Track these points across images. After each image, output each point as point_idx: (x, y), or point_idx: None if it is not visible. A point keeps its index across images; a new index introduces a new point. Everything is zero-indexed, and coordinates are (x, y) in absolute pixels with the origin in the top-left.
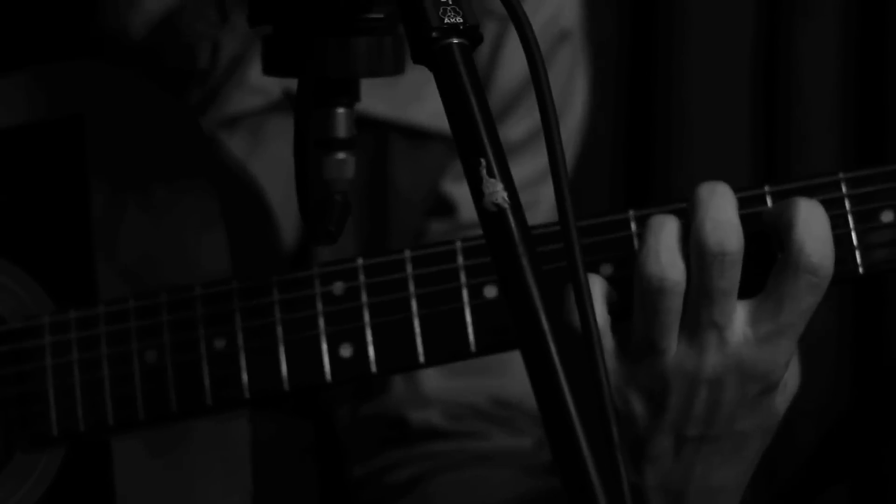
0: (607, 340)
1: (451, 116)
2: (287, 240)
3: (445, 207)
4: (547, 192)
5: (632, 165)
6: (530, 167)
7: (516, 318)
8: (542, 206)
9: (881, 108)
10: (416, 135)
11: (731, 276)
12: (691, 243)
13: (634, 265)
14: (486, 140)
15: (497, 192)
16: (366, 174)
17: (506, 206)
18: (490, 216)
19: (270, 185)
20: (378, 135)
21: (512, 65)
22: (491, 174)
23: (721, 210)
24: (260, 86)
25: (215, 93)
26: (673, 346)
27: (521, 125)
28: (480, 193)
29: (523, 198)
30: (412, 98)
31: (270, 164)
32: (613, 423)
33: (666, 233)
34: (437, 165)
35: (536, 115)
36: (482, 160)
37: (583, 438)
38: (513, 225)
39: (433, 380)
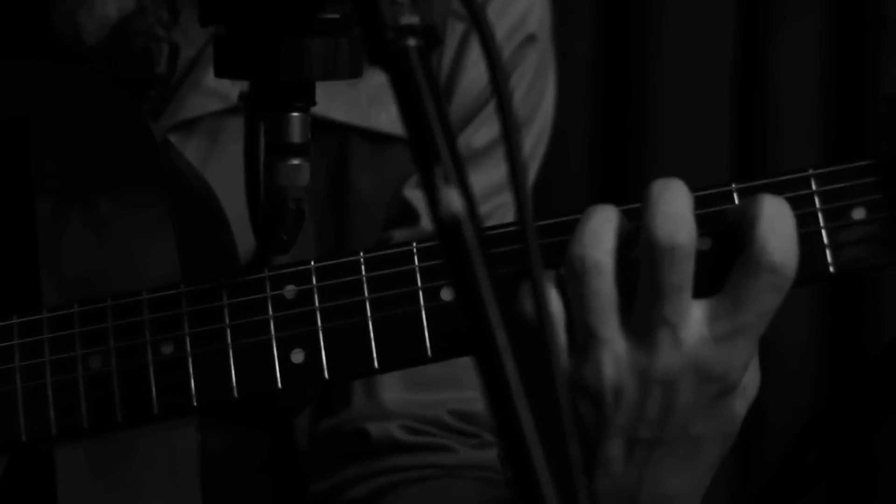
0: (560, 337)
1: (406, 121)
2: (243, 246)
3: (407, 215)
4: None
5: (607, 173)
6: (497, 173)
7: (471, 328)
8: (510, 211)
9: (859, 117)
10: (378, 138)
11: (683, 271)
12: (641, 238)
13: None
14: (441, 147)
15: (453, 200)
16: (327, 179)
17: (462, 215)
18: (445, 226)
19: (227, 189)
20: (340, 138)
21: (476, 68)
22: (447, 182)
23: (671, 203)
24: (216, 89)
25: (172, 97)
26: (617, 338)
27: (484, 131)
28: (436, 202)
29: (492, 204)
30: (373, 103)
31: (227, 168)
32: (568, 428)
33: (593, 219)
34: (399, 170)
35: None
36: (438, 168)
37: (538, 457)
38: (468, 235)
39: (395, 393)
